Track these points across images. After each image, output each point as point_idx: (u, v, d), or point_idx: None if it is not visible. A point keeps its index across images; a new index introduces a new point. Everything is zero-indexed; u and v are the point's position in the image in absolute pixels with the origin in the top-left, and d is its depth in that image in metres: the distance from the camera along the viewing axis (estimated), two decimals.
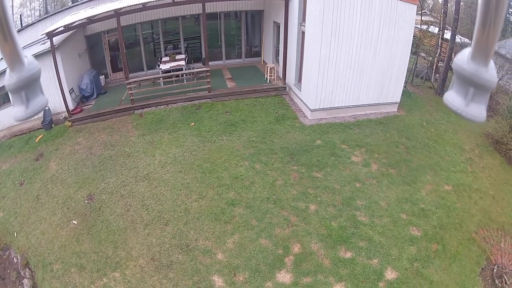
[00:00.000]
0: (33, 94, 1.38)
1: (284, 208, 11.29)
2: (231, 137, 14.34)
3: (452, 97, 1.34)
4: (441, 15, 23.03)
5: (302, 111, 15.89)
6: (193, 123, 15.53)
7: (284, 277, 9.68)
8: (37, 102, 1.39)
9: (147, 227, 11.36)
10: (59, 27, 16.00)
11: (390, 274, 9.53)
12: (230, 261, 10.15)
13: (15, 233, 12.71)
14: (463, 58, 1.26)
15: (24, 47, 20.25)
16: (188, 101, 17.41)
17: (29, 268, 11.53)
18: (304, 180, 12.14)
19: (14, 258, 12.06)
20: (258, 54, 22.86)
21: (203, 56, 20.38)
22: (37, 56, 17.34)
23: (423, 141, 13.85)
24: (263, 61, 21.99)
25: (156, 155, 13.89)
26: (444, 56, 21.67)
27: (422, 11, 26.40)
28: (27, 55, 1.34)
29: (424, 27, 26.40)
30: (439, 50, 22.57)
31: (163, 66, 19.25)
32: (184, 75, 19.09)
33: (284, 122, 15.15)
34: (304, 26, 15.04)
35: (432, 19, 31.26)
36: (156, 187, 12.53)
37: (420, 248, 10.10)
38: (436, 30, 25.24)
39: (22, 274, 11.47)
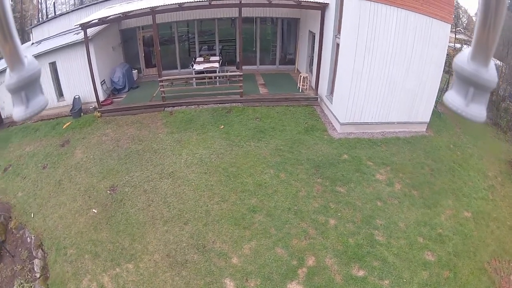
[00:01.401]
0: (33, 94, 1.43)
1: (304, 220, 11.53)
2: (259, 144, 14.67)
3: (453, 97, 1.38)
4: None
5: (331, 123, 16.06)
6: (222, 126, 15.95)
7: None
8: (37, 102, 1.43)
9: (167, 224, 11.79)
10: (94, 20, 16.74)
11: None
12: (244, 267, 10.45)
13: (32, 214, 13.35)
14: (463, 58, 1.31)
15: (57, 35, 21.13)
16: (219, 103, 17.88)
17: (42, 249, 12.11)
18: (327, 193, 12.35)
19: (28, 238, 12.66)
20: (292, 62, 23.18)
21: (237, 59, 20.90)
22: (71, 45, 18.44)
23: (449, 164, 13.84)
24: (297, 69, 22.30)
25: (183, 154, 14.35)
26: None
27: (456, 29, 26.16)
28: (27, 55, 1.39)
29: (458, 45, 26.22)
30: None
31: (197, 67, 19.83)
32: (217, 77, 19.60)
33: (313, 133, 15.37)
34: (339, 38, 15.24)
35: (465, 38, 31.00)
36: (180, 186, 12.97)
37: (432, 274, 10.12)
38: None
39: (34, 254, 12.04)
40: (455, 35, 24.63)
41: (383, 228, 11.19)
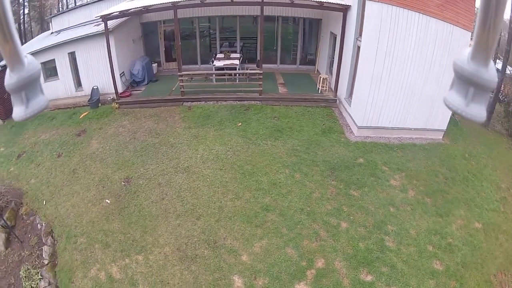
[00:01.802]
0: (33, 94, 1.43)
1: (316, 221, 11.50)
2: (276, 143, 14.67)
3: (452, 97, 1.38)
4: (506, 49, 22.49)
5: (349, 126, 16.03)
6: (240, 123, 16.00)
7: None
8: (37, 102, 1.44)
9: (179, 218, 11.86)
10: (115, 12, 16.91)
11: None
12: (253, 264, 10.48)
13: (44, 201, 13.55)
14: (463, 58, 1.31)
15: (77, 26, 21.41)
16: (238, 100, 17.94)
17: (52, 236, 12.28)
18: (341, 196, 12.32)
19: (38, 225, 12.84)
20: (312, 62, 23.12)
21: (258, 57, 20.97)
22: (91, 36, 18.64)
23: (463, 173, 13.69)
24: (317, 70, 22.27)
25: (199, 150, 14.41)
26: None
27: None
28: (27, 55, 1.39)
29: None
30: None
31: (217, 63, 19.91)
32: (237, 74, 19.64)
33: (330, 135, 15.34)
34: (360, 41, 15.15)
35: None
36: (195, 181, 13.03)
37: (439, 284, 10.06)
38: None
39: (43, 240, 12.21)
40: None
41: (394, 234, 11.14)
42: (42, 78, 19.69)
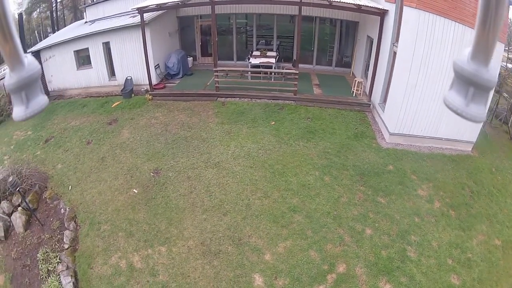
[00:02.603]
0: (33, 94, 1.44)
1: (341, 226, 11.46)
2: (307, 144, 14.65)
3: (452, 97, 1.39)
4: None
5: (381, 132, 15.94)
6: (273, 122, 16.02)
7: None
8: (37, 102, 1.45)
9: (206, 212, 11.96)
10: (151, 5, 17.18)
11: None
12: (275, 264, 10.50)
13: (69, 186, 13.82)
14: (463, 58, 1.33)
15: (112, 16, 21.84)
16: (272, 99, 18.00)
17: (75, 221, 12.51)
18: (368, 203, 12.25)
19: (62, 209, 13.09)
20: (348, 65, 22.97)
21: (294, 57, 20.97)
22: (126, 27, 19.07)
23: (488, 188, 13.41)
24: (352, 73, 22.14)
25: (231, 146, 14.52)
26: None
27: (510, 48, 25.13)
28: (27, 55, 1.40)
29: (510, 65, 25.20)
30: None
31: (253, 60, 19.97)
32: (273, 73, 19.70)
33: (362, 140, 15.26)
34: (397, 46, 15.08)
35: None
36: (224, 177, 13.12)
37: None
38: None
39: (65, 225, 12.46)
40: (508, 54, 23.67)
41: (416, 245, 11.03)
42: (74, 66, 20.29)
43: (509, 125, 19.44)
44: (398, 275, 10.25)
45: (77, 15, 36.33)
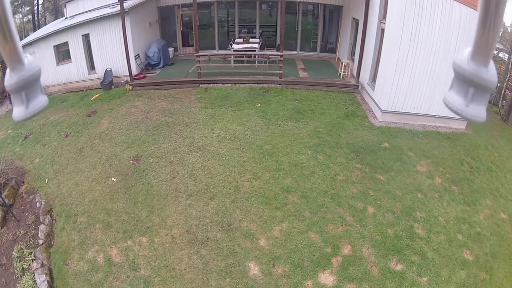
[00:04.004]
0: (33, 95, 1.31)
1: (341, 205, 10.16)
2: (297, 124, 13.27)
3: (452, 97, 1.26)
4: (510, 44, 21.55)
5: (372, 111, 14.96)
6: (259, 105, 14.56)
7: (327, 278, 8.56)
8: (37, 103, 1.32)
9: (191, 197, 10.37)
10: None
11: None
12: (272, 250, 9.06)
13: (46, 180, 12.16)
14: (463, 58, 1.19)
15: (92, 10, 20.40)
16: (257, 83, 16.49)
17: (50, 215, 10.87)
18: (366, 180, 11.04)
19: (37, 203, 11.46)
20: (333, 50, 21.65)
21: (278, 42, 19.75)
22: (105, 17, 17.56)
23: (487, 164, 12.75)
24: (338, 58, 20.86)
25: (215, 129, 13.02)
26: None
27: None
28: (27, 55, 1.26)
29: (495, 52, 24.78)
30: (507, 78, 20.90)
31: (236, 46, 18.53)
32: (257, 56, 18.35)
33: (353, 119, 14.11)
34: (384, 23, 14.22)
35: (501, 46, 29.62)
36: (209, 160, 11.59)
37: (470, 274, 9.02)
38: (506, 56, 23.69)
39: (41, 219, 10.78)
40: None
41: (423, 221, 10.02)
42: (54, 62, 18.90)
43: (499, 106, 19.53)
44: (409, 253, 9.14)
45: (58, 17, 34.65)
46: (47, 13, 39.16)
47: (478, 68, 1.16)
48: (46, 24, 36.79)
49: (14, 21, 1.15)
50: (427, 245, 9.39)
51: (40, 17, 37.45)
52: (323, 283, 8.41)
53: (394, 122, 14.08)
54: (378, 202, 10.34)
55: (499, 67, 24.64)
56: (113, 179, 11.28)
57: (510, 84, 21.08)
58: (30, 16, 36.20)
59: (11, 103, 20.12)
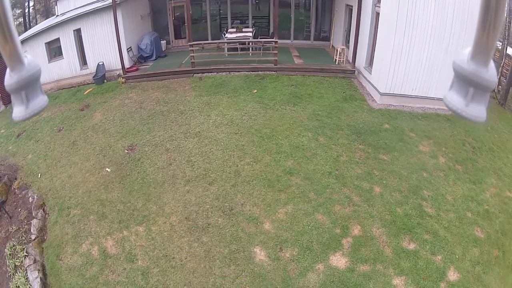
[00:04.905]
0: (33, 94, 1.27)
1: (346, 186, 9.51)
2: (295, 108, 12.56)
3: (452, 97, 1.21)
4: (503, 31, 21.03)
5: (370, 94, 14.39)
6: (255, 91, 13.80)
7: (338, 260, 7.90)
8: (37, 102, 1.28)
9: (189, 183, 9.59)
10: None
11: (452, 275, 7.99)
12: (278, 234, 8.34)
13: (39, 174, 11.39)
14: (463, 58, 1.15)
15: (83, 6, 19.68)
16: (252, 71, 15.68)
17: (43, 209, 10.11)
18: (370, 160, 10.43)
19: (30, 198, 10.71)
20: (326, 39, 20.97)
21: (271, 30, 19.10)
22: (97, 11, 16.83)
23: (488, 144, 12.31)
24: (332, 45, 20.13)
25: (212, 115, 12.26)
26: (506, 72, 19.63)
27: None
28: (27, 55, 1.22)
29: None
30: (502, 64, 20.45)
31: (229, 35, 17.76)
32: (251, 43, 17.58)
33: (351, 102, 13.48)
34: (379, 7, 13.67)
35: None
36: (207, 145, 10.82)
37: (483, 252, 8.62)
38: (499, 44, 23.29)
39: (33, 214, 10.00)
40: None
41: (431, 200, 9.53)
42: (46, 59, 18.06)
43: (495, 91, 18.75)
44: (420, 232, 8.55)
45: (49, 16, 33.81)
46: (38, 15, 38.18)
47: (478, 68, 1.12)
48: None
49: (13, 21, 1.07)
50: (437, 223, 8.87)
51: (31, 19, 36.44)
52: (335, 266, 7.68)
53: (393, 105, 13.54)
54: (384, 182, 9.71)
55: (494, 54, 24.17)
56: (107, 169, 10.46)
57: (505, 70, 20.63)
58: (21, 19, 35.18)
59: (3, 104, 19.51)
